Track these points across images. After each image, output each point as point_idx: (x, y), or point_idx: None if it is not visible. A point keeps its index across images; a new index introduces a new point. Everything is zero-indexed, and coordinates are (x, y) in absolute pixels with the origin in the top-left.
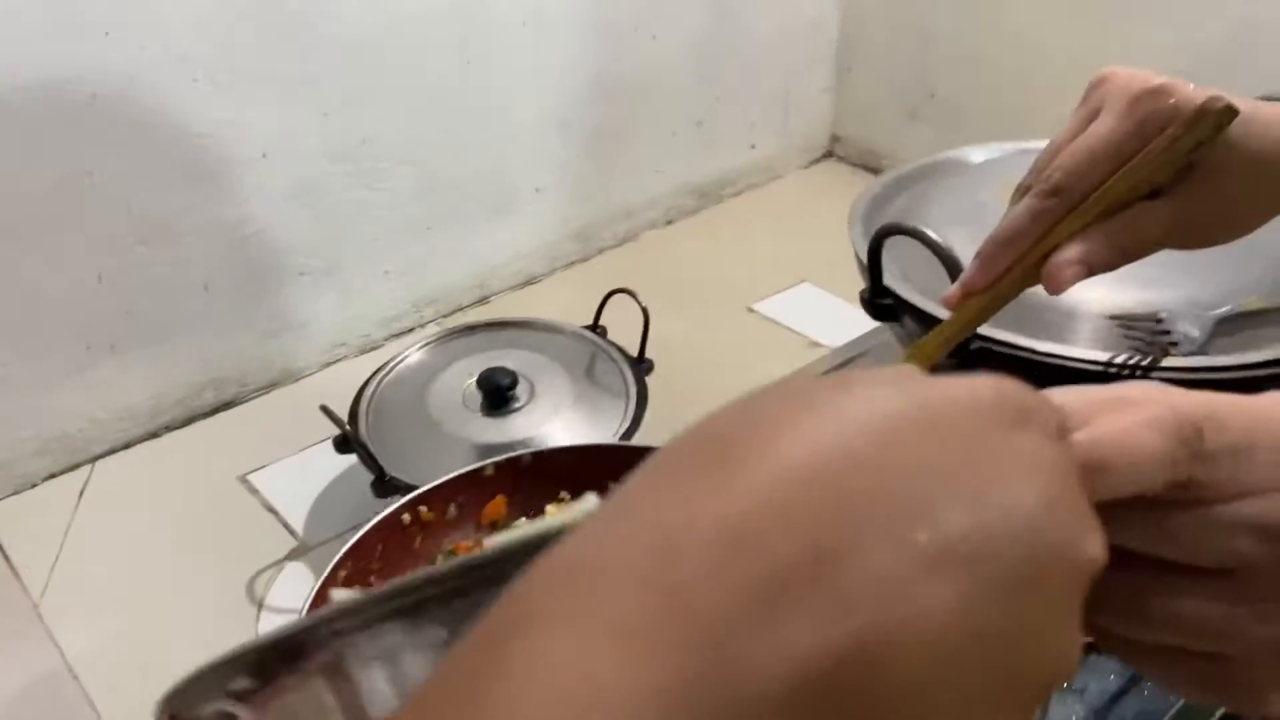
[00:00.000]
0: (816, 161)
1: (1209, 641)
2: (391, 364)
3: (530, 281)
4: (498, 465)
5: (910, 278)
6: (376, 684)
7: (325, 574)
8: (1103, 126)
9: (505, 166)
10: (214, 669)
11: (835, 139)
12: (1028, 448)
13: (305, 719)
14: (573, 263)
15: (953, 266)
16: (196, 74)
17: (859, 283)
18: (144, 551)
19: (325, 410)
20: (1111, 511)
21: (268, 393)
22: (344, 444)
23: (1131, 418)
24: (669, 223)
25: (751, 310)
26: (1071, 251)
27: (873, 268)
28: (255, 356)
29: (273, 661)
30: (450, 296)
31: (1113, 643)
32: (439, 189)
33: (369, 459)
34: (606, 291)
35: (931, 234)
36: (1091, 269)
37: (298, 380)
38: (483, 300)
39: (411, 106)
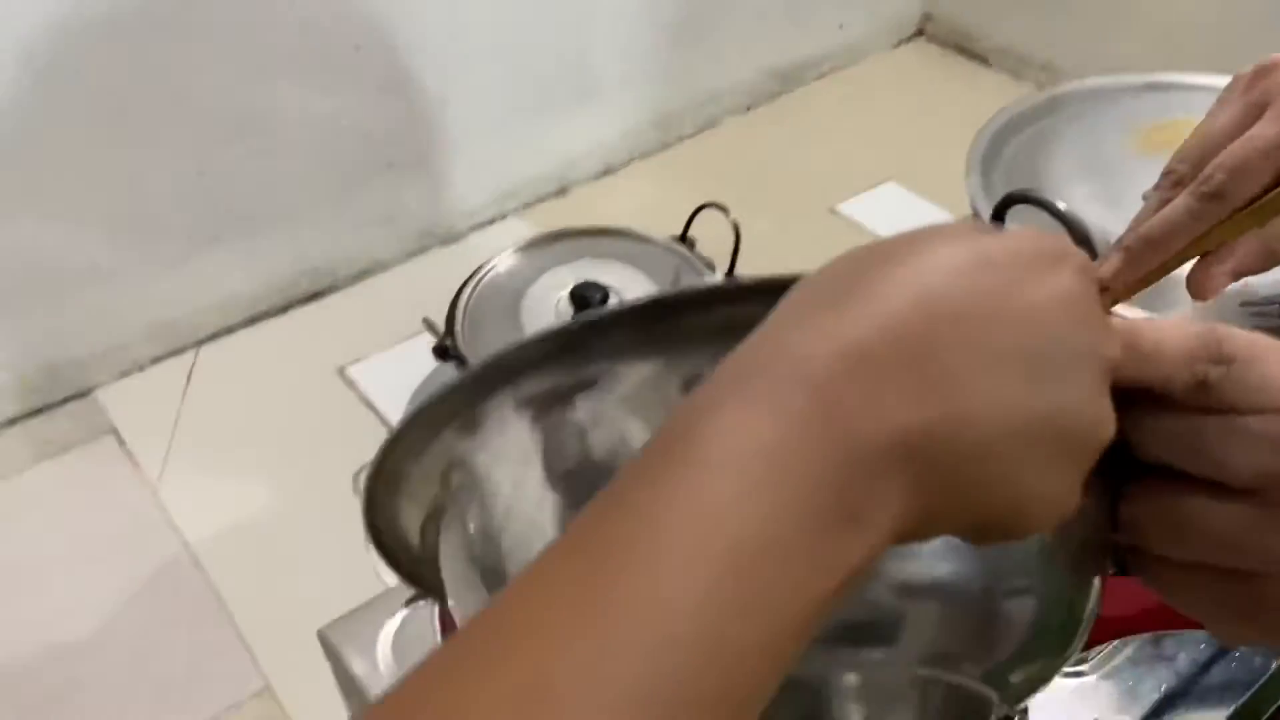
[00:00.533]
0: (905, 42)
1: (1234, 555)
2: (484, 271)
3: (608, 172)
4: None
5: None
6: (573, 438)
7: None
8: (1272, 129)
9: (589, 55)
10: (437, 404)
11: (927, 17)
12: (1064, 278)
13: (509, 462)
14: (652, 152)
15: (1086, 245)
16: None
17: (945, 184)
18: (251, 437)
19: (426, 323)
20: (1144, 419)
21: (360, 282)
22: (443, 353)
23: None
24: (749, 108)
25: (834, 212)
26: (1226, 262)
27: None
28: (347, 247)
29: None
30: (532, 188)
31: (1144, 563)
32: (524, 80)
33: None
34: (686, 186)
35: (1066, 208)
36: (1240, 276)
37: (387, 270)
38: (562, 192)
39: (498, 1)
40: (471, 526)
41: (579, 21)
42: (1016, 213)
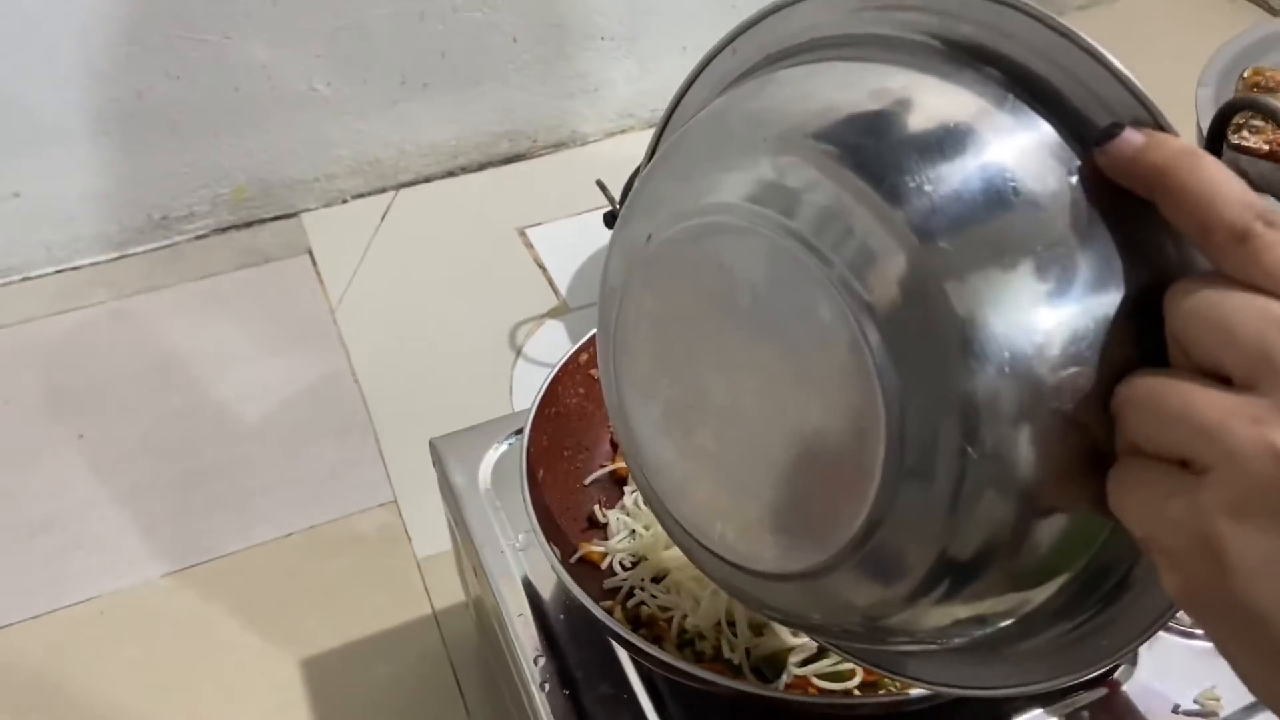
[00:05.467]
0: None
1: (1203, 443)
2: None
3: None
4: None
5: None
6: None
7: (577, 345)
8: None
9: None
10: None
11: None
12: None
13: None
14: None
15: None
16: None
17: (1188, 126)
18: (427, 279)
19: (600, 185)
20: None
21: (555, 152)
22: (612, 220)
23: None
24: None
25: None
26: None
27: (1212, 144)
28: (549, 115)
29: None
30: None
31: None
32: None
33: None
34: None
35: None
36: None
37: (584, 145)
38: None
39: None
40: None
41: None
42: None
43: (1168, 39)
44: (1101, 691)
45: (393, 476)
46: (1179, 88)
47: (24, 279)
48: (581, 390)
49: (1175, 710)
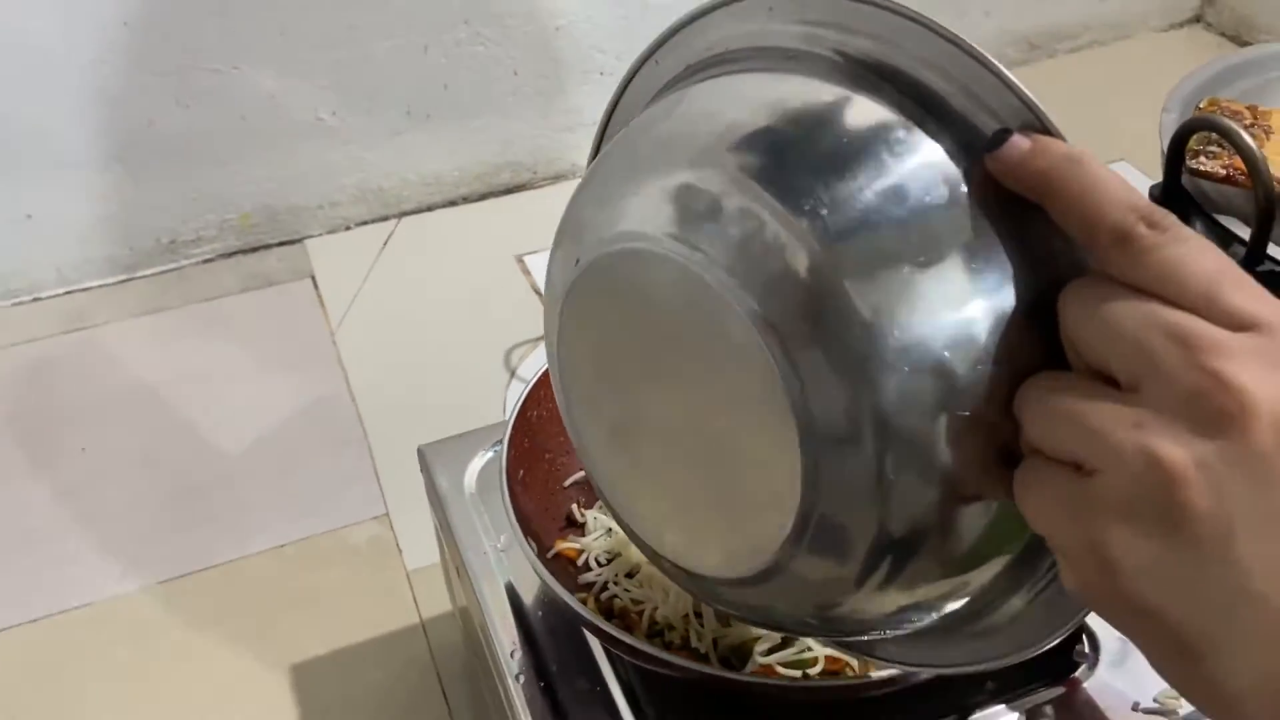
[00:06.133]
0: (1179, 26)
1: (1091, 446)
2: None
3: None
4: None
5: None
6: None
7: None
8: None
9: None
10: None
11: (1209, 2)
12: None
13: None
14: None
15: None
16: None
17: None
18: (426, 303)
19: None
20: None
21: (554, 184)
22: None
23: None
24: None
25: None
26: None
27: (1171, 163)
28: (549, 147)
29: None
30: None
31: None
32: None
33: None
34: None
35: (1247, 139)
36: None
37: (580, 175)
38: None
39: None
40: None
41: None
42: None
43: (1166, 79)
44: (1060, 690)
45: (385, 491)
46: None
47: (34, 299)
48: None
49: (1135, 708)
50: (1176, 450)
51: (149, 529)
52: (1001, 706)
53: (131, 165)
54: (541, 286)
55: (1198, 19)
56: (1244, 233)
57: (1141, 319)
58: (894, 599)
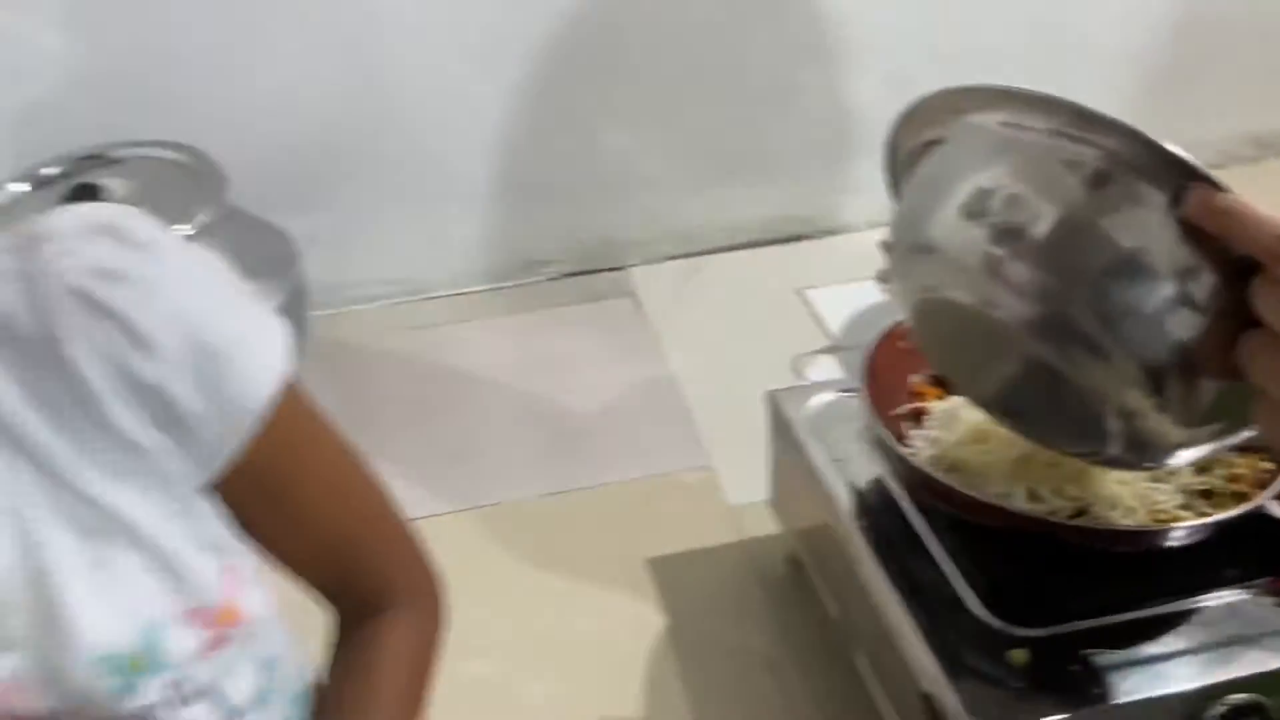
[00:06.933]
0: None
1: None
2: None
3: None
4: None
5: None
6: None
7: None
8: None
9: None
10: (964, 92)
11: None
12: None
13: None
14: None
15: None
16: None
17: None
18: (726, 321)
19: (882, 246)
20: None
21: (828, 237)
22: (883, 279)
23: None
24: (1218, 166)
25: None
26: None
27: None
28: (825, 205)
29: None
30: None
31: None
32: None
33: None
34: None
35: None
36: None
37: (854, 231)
38: None
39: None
40: (925, 171)
41: (1069, 70)
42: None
43: None
44: None
45: (706, 448)
46: None
47: (428, 297)
48: (894, 351)
49: None
50: None
51: (532, 459)
52: None
53: (511, 200)
54: (819, 312)
55: None
56: None
57: None
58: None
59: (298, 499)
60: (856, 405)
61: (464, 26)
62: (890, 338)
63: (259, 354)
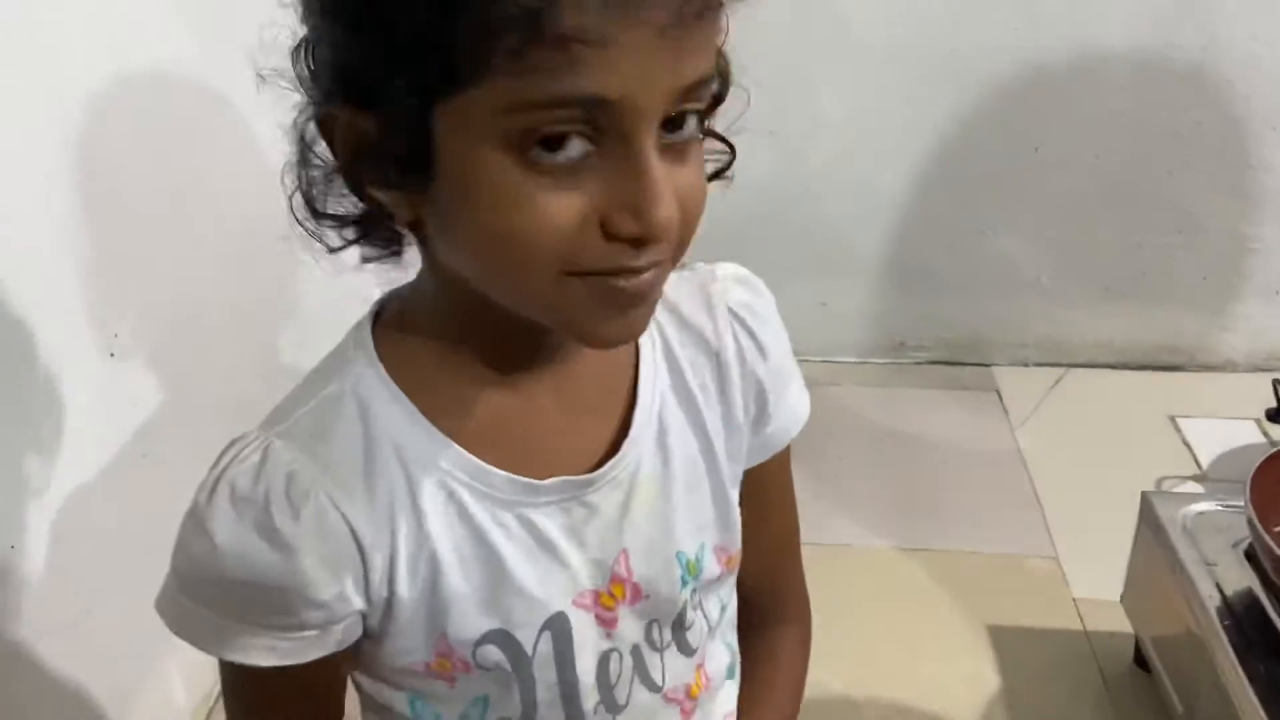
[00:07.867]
0: None
1: None
2: None
3: None
4: None
5: None
6: None
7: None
8: None
9: None
10: None
11: None
12: None
13: None
14: None
15: None
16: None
17: None
18: (1087, 433)
19: (1276, 384)
20: None
21: (1204, 373)
22: (1275, 415)
23: None
24: None
25: None
26: None
27: None
28: (1208, 339)
29: None
30: None
31: None
32: None
33: None
34: None
35: None
36: None
37: (1233, 371)
38: None
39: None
40: None
41: None
42: None
43: None
44: None
45: (1054, 540)
46: None
47: (802, 359)
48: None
49: None
50: None
51: (884, 513)
52: None
53: (893, 281)
54: (1190, 441)
55: None
56: None
57: None
58: None
59: (773, 498)
60: (1231, 519)
61: (880, 127)
62: (1277, 460)
63: (800, 389)
